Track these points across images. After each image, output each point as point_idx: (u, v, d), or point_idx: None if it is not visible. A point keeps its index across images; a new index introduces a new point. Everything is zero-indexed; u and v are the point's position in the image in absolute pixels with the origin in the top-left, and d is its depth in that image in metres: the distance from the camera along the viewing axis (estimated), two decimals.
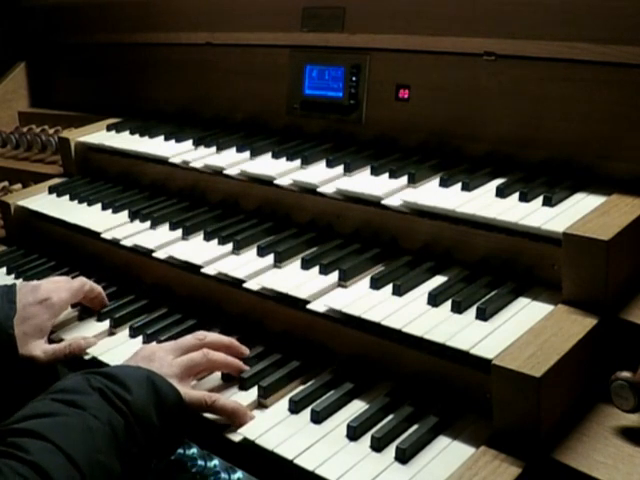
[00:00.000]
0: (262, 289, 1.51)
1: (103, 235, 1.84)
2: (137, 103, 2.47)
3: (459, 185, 1.57)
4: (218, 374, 1.41)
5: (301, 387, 1.36)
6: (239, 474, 1.96)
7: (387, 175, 1.67)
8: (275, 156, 1.87)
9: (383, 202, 1.57)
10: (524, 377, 1.13)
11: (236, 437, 1.27)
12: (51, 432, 1.07)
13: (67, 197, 2.09)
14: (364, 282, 1.46)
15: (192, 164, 1.92)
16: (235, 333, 1.53)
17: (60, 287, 1.59)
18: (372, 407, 1.28)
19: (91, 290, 1.66)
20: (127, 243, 1.78)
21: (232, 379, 1.40)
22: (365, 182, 1.65)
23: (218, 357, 1.37)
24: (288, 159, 1.83)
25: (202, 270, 1.61)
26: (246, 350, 1.44)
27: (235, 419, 1.28)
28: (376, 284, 1.43)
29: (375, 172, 1.69)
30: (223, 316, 1.61)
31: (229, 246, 1.66)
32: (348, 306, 1.38)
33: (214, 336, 1.42)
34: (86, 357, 1.54)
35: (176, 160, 1.96)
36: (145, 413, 1.17)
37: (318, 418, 1.27)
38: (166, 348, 1.36)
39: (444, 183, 1.58)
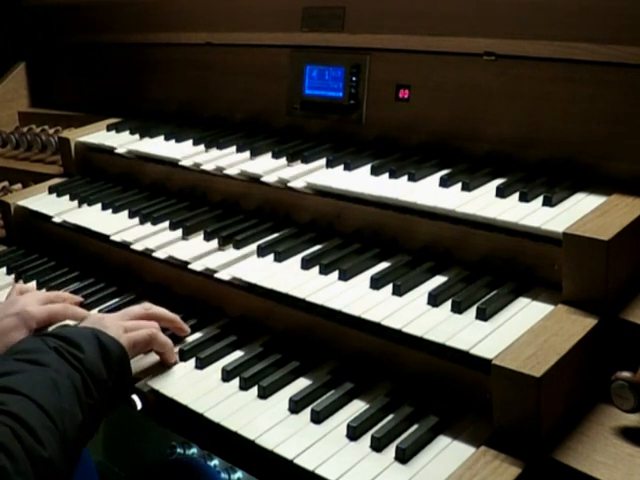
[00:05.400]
0: (262, 289, 1.51)
1: (108, 236, 1.83)
2: (137, 103, 2.47)
3: (459, 185, 1.57)
4: (218, 374, 1.42)
5: (301, 387, 1.36)
6: (239, 474, 1.96)
7: (387, 175, 1.67)
8: (275, 156, 1.87)
9: (382, 202, 1.58)
10: (524, 377, 1.13)
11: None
12: (21, 386, 1.15)
13: (67, 197, 2.09)
14: (364, 282, 1.46)
15: (192, 164, 1.92)
16: (236, 333, 1.53)
17: (35, 298, 1.56)
18: (372, 407, 1.28)
19: (64, 296, 1.65)
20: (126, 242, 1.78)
21: (232, 378, 1.40)
22: (365, 182, 1.65)
23: (162, 338, 1.45)
24: (288, 159, 1.83)
25: (202, 270, 1.61)
26: (187, 329, 1.55)
27: (170, 354, 1.46)
28: (376, 284, 1.43)
29: (375, 172, 1.69)
30: (224, 316, 1.61)
31: (229, 246, 1.66)
32: (348, 306, 1.38)
33: (159, 309, 1.52)
34: None
35: (176, 160, 1.97)
36: (96, 368, 1.26)
37: (318, 418, 1.27)
38: (113, 315, 1.47)
39: (444, 183, 1.59)
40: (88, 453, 1.74)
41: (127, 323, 1.43)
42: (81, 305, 1.66)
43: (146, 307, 1.51)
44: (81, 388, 1.22)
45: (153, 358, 1.48)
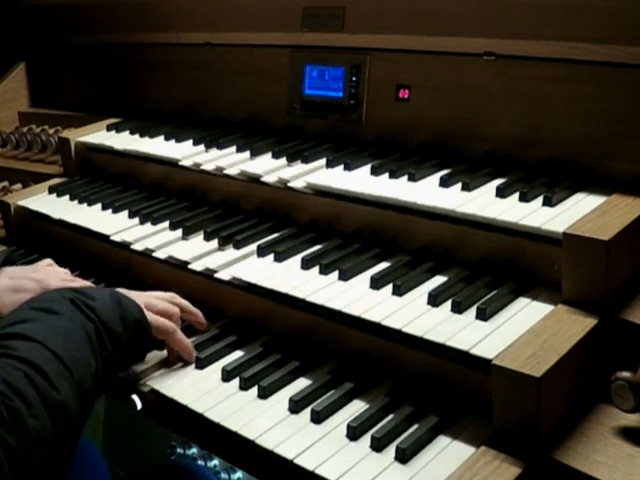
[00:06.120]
0: (262, 289, 1.51)
1: (108, 236, 1.84)
2: (137, 103, 2.47)
3: (459, 185, 1.57)
4: (218, 374, 1.42)
5: (301, 387, 1.36)
6: (239, 474, 1.96)
7: (387, 175, 1.67)
8: (275, 156, 1.87)
9: (382, 202, 1.58)
10: (524, 377, 1.13)
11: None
12: (35, 333, 1.16)
13: (67, 197, 2.09)
14: (364, 282, 1.46)
15: (192, 164, 1.92)
16: (236, 333, 1.53)
17: (59, 276, 1.59)
18: (372, 407, 1.28)
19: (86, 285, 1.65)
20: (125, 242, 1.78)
21: (232, 378, 1.40)
22: (365, 182, 1.65)
23: (179, 335, 1.45)
24: (288, 159, 1.83)
25: (202, 270, 1.61)
26: (207, 324, 1.56)
27: (185, 353, 1.46)
28: (376, 284, 1.43)
29: (375, 172, 1.69)
30: (224, 316, 1.61)
31: (229, 246, 1.66)
32: (348, 306, 1.38)
33: (183, 300, 1.54)
34: None
35: (176, 160, 1.97)
36: (110, 321, 1.28)
37: (318, 418, 1.27)
38: (137, 293, 1.47)
39: (444, 183, 1.59)
40: (98, 453, 1.74)
41: (153, 300, 1.45)
42: None
43: (172, 295, 1.53)
44: (95, 339, 1.23)
45: (153, 358, 1.48)
